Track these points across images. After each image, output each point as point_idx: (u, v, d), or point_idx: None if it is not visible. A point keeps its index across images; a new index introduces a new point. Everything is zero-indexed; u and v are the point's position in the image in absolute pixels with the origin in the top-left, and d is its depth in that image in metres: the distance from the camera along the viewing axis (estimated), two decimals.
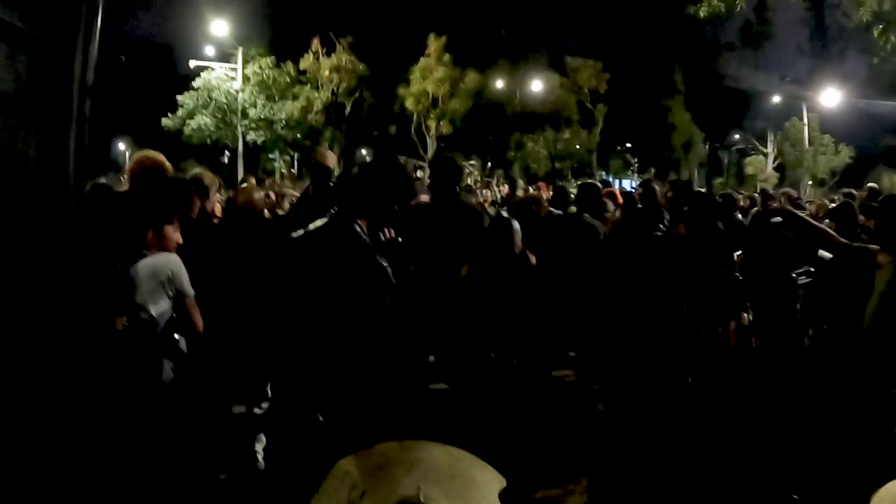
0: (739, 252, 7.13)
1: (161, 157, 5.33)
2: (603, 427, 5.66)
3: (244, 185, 5.13)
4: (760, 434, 5.16)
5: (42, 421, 2.90)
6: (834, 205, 12.66)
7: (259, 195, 5.61)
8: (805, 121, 43.42)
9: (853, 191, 10.74)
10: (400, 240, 4.48)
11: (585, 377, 6.49)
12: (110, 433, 3.53)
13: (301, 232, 4.16)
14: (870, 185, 10.62)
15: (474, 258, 5.05)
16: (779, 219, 6.40)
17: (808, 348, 5.96)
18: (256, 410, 4.89)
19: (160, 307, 3.91)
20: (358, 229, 3.91)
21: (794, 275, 6.43)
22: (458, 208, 5.56)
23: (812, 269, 6.35)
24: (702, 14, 10.42)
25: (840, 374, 4.69)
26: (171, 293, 3.97)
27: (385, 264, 3.96)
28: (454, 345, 4.89)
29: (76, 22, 2.70)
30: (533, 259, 5.73)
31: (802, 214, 6.44)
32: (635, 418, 5.26)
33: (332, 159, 6.62)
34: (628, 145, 50.11)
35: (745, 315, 5.33)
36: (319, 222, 4.03)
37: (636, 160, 51.25)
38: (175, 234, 4.20)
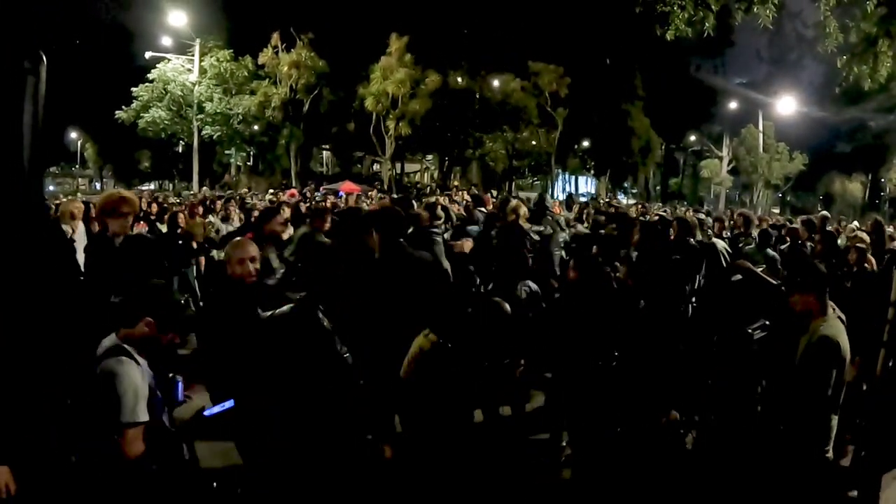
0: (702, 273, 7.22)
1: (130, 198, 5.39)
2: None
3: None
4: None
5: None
6: (793, 223, 12.67)
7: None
8: (760, 128, 44.14)
9: (813, 218, 10.64)
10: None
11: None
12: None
13: (268, 314, 4.21)
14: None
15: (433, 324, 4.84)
16: (738, 277, 6.40)
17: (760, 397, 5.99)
18: None
19: None
20: (321, 317, 3.97)
21: (749, 330, 6.43)
22: (406, 264, 5.21)
23: (767, 323, 6.36)
24: (668, 37, 10.29)
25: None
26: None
27: (345, 350, 4.00)
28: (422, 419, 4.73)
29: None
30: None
31: (759, 271, 6.43)
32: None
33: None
34: (585, 144, 50.31)
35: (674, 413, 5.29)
36: (286, 308, 4.10)
37: (593, 162, 51.49)
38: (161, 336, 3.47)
